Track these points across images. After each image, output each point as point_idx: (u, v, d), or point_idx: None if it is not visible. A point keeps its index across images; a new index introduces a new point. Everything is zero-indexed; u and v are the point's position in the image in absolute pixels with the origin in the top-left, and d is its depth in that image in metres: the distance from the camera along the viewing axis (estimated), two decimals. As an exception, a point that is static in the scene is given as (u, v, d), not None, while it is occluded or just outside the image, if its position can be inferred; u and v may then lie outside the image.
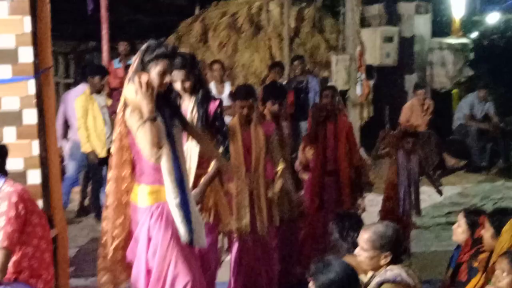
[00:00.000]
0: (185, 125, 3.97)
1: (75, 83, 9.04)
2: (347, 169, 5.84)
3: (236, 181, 4.89)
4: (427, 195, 8.19)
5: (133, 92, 3.57)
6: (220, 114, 4.54)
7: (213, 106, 4.48)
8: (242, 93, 5.08)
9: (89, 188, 7.70)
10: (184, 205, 3.69)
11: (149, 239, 3.74)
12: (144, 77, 3.54)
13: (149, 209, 3.74)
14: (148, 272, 3.75)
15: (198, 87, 4.42)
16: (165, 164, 3.64)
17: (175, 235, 3.72)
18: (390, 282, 3.40)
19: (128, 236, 3.89)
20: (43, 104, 4.24)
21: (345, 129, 5.96)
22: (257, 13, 10.67)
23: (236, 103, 5.17)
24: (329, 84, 8.56)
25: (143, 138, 3.52)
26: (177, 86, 4.24)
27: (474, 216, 4.19)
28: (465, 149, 9.23)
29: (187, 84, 4.33)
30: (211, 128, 4.46)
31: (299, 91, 8.50)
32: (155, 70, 3.60)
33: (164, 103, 3.74)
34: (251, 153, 4.97)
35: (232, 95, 7.24)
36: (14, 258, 3.59)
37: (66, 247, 4.50)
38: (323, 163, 5.85)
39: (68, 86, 10.77)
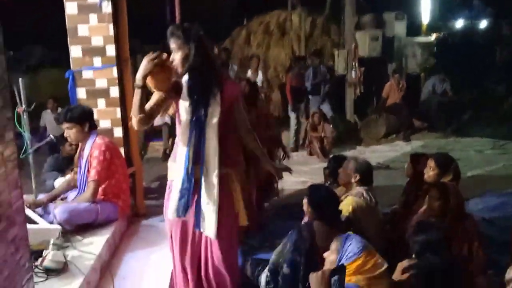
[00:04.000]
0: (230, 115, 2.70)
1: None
2: None
3: None
4: (400, 147, 8.09)
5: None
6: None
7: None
8: None
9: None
10: (185, 183, 2.61)
11: None
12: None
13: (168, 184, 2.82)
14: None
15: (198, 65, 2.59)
16: (182, 137, 2.65)
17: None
18: (353, 195, 3.42)
19: None
20: (123, 83, 4.25)
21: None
22: (283, 22, 10.42)
23: None
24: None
25: None
26: (176, 58, 2.62)
27: (418, 157, 4.05)
28: (428, 115, 8.96)
29: (178, 55, 2.61)
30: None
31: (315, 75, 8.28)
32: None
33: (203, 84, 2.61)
34: None
35: None
36: (102, 186, 3.65)
37: (141, 179, 4.53)
38: None
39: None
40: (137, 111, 2.57)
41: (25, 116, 3.80)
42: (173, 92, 2.66)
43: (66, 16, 4.05)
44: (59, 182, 4.17)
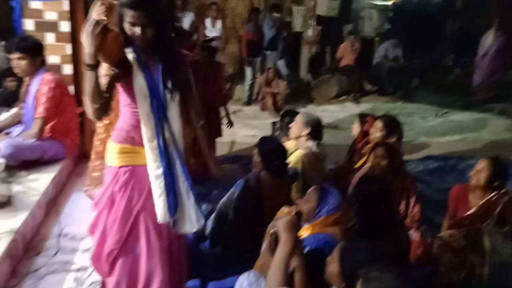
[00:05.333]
0: (185, 93, 2.26)
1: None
2: None
3: None
4: (349, 108, 8.30)
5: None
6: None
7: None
8: None
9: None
10: (168, 177, 2.15)
11: (112, 204, 2.26)
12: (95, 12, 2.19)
13: (116, 171, 2.23)
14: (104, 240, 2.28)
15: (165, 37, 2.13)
16: (145, 127, 2.14)
17: (144, 208, 2.22)
18: (303, 149, 3.53)
19: None
20: (75, 17, 4.07)
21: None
22: (244, -28, 10.19)
23: None
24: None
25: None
26: (137, 32, 2.06)
27: (364, 117, 4.21)
28: (378, 79, 9.17)
29: (149, 33, 2.07)
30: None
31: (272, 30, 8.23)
32: (125, 20, 2.05)
33: (157, 58, 2.13)
34: None
35: None
36: (51, 124, 3.57)
37: (90, 119, 4.43)
38: None
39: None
40: (96, 97, 2.03)
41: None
42: (120, 67, 2.10)
43: None
44: (4, 116, 4.03)
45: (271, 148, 3.17)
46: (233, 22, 9.88)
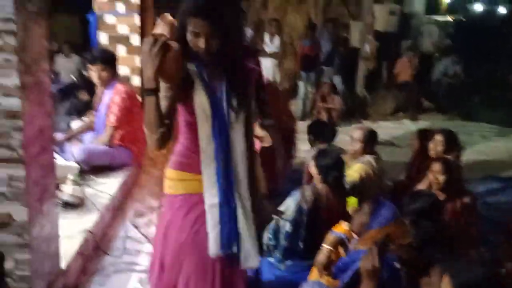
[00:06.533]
0: (249, 110, 1.95)
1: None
2: None
3: None
4: (406, 126, 8.18)
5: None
6: (262, 82, 2.45)
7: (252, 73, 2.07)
8: None
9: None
10: (224, 207, 1.89)
11: (164, 235, 2.02)
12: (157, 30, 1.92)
13: (171, 199, 2.02)
14: (162, 266, 2.04)
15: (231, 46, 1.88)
16: (203, 152, 1.89)
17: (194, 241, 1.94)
18: (363, 163, 3.55)
19: None
20: (145, 31, 4.31)
21: None
22: (302, -12, 10.37)
23: None
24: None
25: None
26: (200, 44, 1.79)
27: (423, 133, 4.19)
28: (437, 96, 9.01)
29: (214, 44, 1.81)
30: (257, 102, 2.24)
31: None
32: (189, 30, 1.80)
33: (222, 74, 1.89)
34: None
35: None
36: (120, 132, 3.77)
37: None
38: None
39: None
40: (157, 125, 1.79)
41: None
42: (181, 85, 1.86)
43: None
44: (77, 124, 4.30)
45: (329, 161, 3.21)
46: (290, 38, 10.03)
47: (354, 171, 3.50)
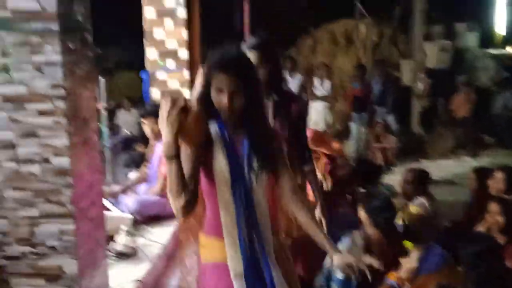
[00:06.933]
0: (275, 167, 1.86)
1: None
2: None
3: None
4: (466, 163, 7.89)
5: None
6: (304, 118, 2.51)
7: (295, 107, 2.39)
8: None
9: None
10: (250, 276, 1.79)
11: None
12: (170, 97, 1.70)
13: (202, 268, 1.96)
14: None
15: (276, 81, 2.28)
16: (223, 217, 1.81)
17: None
18: (415, 205, 3.45)
19: None
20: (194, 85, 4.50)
21: None
22: (350, 31, 10.45)
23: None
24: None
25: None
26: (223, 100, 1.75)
27: (482, 171, 4.02)
28: (497, 131, 8.68)
29: (262, 73, 2.15)
30: (294, 140, 2.38)
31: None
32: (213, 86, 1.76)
33: (244, 133, 1.82)
34: None
35: None
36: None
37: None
38: None
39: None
40: (181, 191, 1.70)
41: (104, 112, 4.12)
42: (203, 147, 1.79)
43: (143, 20, 4.36)
44: (133, 176, 4.48)
45: (378, 203, 3.15)
46: (341, 80, 10.08)
47: (407, 214, 3.41)
